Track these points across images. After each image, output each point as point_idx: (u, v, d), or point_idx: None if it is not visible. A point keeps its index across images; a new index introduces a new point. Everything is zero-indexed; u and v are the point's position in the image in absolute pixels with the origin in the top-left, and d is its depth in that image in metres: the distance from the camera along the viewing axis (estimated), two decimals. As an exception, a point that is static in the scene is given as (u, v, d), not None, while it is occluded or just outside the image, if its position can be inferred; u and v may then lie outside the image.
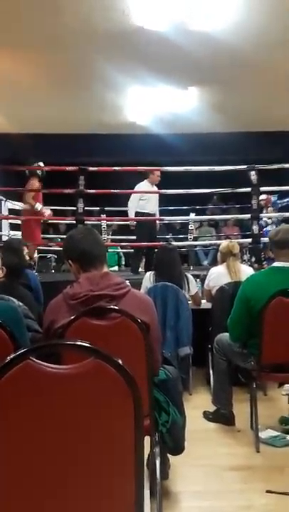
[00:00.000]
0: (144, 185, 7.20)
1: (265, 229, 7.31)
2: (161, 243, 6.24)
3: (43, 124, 9.61)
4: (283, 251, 3.27)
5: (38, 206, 7.00)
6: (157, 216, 7.51)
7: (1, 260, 2.75)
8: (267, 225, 7.55)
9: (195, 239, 9.10)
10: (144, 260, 7.30)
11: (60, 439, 1.30)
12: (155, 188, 7.26)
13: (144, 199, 7.13)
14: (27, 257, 4.24)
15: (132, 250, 7.81)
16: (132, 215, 7.15)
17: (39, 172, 7.09)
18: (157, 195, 7.33)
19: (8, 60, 6.85)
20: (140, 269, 7.04)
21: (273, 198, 8.20)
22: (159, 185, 7.28)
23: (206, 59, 6.78)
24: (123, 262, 9.88)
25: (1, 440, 1.27)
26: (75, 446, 1.31)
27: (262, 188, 6.60)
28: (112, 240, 9.29)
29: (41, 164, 7.20)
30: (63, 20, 5.76)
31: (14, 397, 1.27)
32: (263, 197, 6.64)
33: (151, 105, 8.70)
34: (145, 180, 7.19)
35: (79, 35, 6.14)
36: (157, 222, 7.65)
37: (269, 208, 8.05)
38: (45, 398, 1.29)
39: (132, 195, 7.19)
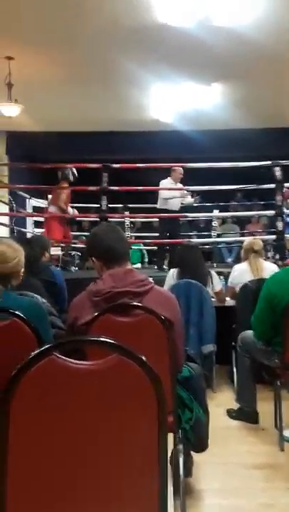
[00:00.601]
0: (167, 183, 7.20)
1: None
2: (181, 240, 6.22)
3: (66, 122, 9.68)
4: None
5: (71, 211, 7.11)
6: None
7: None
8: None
9: (218, 236, 9.05)
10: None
11: (82, 434, 1.30)
12: (179, 185, 7.25)
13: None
14: (47, 255, 4.25)
15: (155, 247, 7.79)
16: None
17: (71, 177, 7.12)
18: (182, 192, 7.31)
19: (33, 61, 6.90)
20: (164, 266, 7.04)
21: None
22: (183, 182, 7.26)
23: (230, 55, 6.74)
24: (146, 259, 9.89)
25: (26, 436, 1.28)
26: (98, 442, 1.31)
27: (286, 184, 6.54)
28: (136, 237, 9.31)
29: (74, 170, 7.22)
30: (87, 18, 5.78)
31: (38, 392, 1.28)
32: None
33: (175, 102, 8.68)
34: (168, 178, 7.20)
35: (102, 33, 6.15)
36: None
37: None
38: (68, 394, 1.30)
39: (159, 192, 7.19)
